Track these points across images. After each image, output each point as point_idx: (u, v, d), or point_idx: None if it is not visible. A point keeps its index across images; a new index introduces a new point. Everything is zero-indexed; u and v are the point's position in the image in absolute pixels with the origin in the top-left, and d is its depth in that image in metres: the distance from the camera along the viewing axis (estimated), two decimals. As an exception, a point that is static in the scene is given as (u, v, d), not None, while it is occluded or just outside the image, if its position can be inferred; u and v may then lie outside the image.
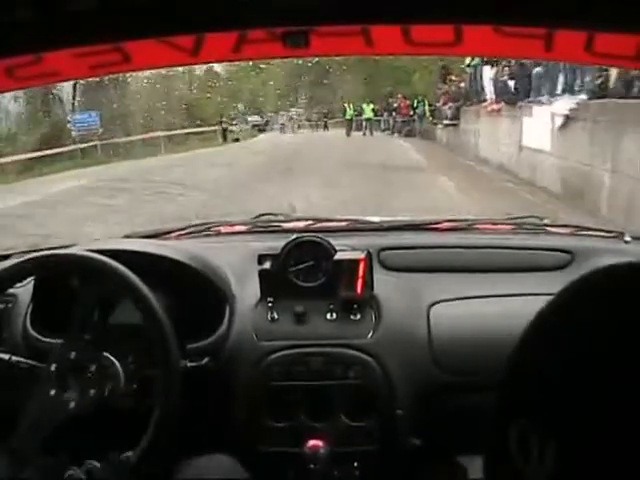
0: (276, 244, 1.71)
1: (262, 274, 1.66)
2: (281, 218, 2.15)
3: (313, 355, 1.57)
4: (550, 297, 0.57)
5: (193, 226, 2.09)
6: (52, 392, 1.44)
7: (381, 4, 0.80)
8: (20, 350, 1.59)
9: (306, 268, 1.68)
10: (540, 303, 0.58)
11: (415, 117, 21.73)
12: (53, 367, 1.45)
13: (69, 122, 17.84)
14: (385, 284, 1.69)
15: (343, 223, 2.03)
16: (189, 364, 1.52)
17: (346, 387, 1.56)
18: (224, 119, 22.40)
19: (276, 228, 2.04)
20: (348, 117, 23.74)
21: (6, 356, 1.50)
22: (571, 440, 0.49)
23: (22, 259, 1.54)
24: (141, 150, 18.31)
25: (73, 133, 17.62)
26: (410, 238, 1.92)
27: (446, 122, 17.47)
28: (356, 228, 2.00)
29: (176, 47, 0.90)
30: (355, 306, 1.62)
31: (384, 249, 1.82)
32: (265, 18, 0.81)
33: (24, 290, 1.70)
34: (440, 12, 0.80)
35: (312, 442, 1.53)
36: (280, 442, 1.57)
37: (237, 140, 22.55)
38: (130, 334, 1.53)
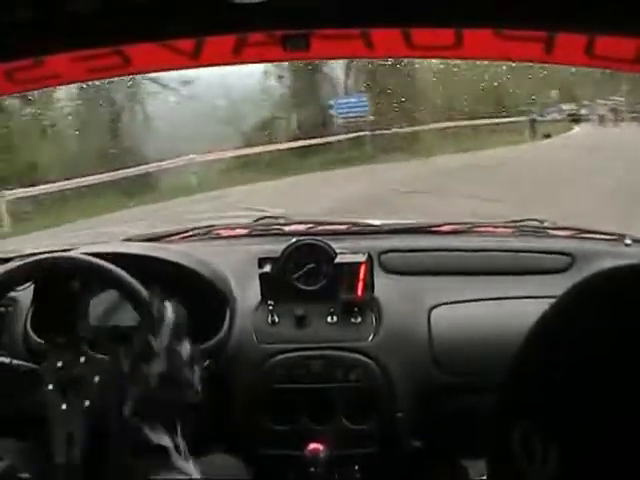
0: (277, 247, 1.71)
1: (263, 277, 1.66)
2: (282, 221, 2.15)
3: (314, 358, 1.57)
4: (551, 300, 0.57)
5: (194, 229, 2.09)
6: (52, 395, 1.43)
7: (381, 7, 0.80)
8: (20, 353, 1.59)
9: (307, 271, 1.68)
10: (541, 306, 0.58)
11: None
12: (53, 370, 1.45)
13: (331, 107, 13.93)
14: (386, 287, 1.69)
15: (343, 226, 2.02)
16: None
17: (347, 390, 1.56)
18: (533, 109, 17.13)
19: (277, 231, 2.03)
20: None
21: (6, 359, 1.50)
22: (573, 443, 0.49)
23: (23, 262, 1.54)
24: (420, 144, 13.39)
25: (339, 120, 13.75)
26: (411, 241, 1.92)
27: None
28: (357, 231, 1.99)
29: (176, 50, 0.90)
30: (356, 309, 1.62)
31: (385, 252, 1.82)
32: (265, 21, 0.82)
33: (24, 293, 1.69)
34: (440, 16, 0.80)
35: (313, 445, 1.53)
36: (281, 445, 1.56)
37: (548, 136, 17.39)
38: (130, 337, 1.53)
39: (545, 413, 0.51)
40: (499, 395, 0.57)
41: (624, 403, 0.47)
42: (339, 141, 13.86)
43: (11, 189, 9.14)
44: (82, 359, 1.45)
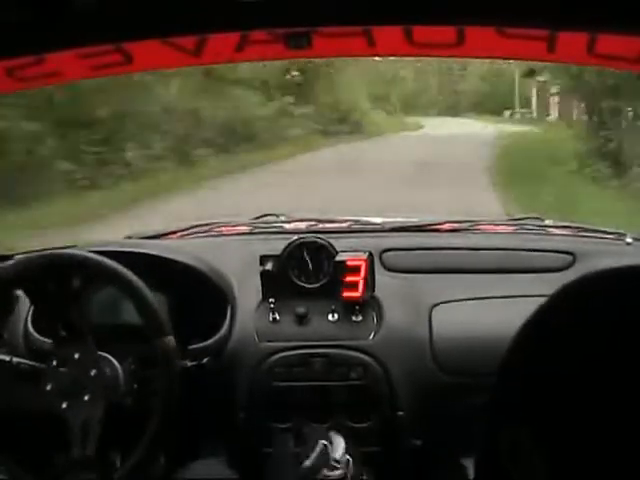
0: (278, 245, 1.70)
1: (264, 275, 1.65)
2: (283, 219, 2.15)
3: (314, 356, 1.57)
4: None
5: (195, 227, 2.09)
6: (52, 393, 1.44)
7: (383, 5, 0.80)
8: (21, 351, 1.59)
9: (308, 269, 1.68)
10: None
11: None
12: (55, 368, 1.45)
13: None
14: (387, 285, 1.69)
15: (345, 224, 2.02)
16: (189, 363, 1.52)
17: (347, 388, 1.56)
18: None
19: (278, 229, 2.03)
20: None
21: (7, 357, 1.50)
22: (562, 445, 0.49)
23: (24, 258, 1.54)
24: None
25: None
26: (412, 239, 1.92)
27: None
28: (358, 229, 1.99)
29: (178, 48, 0.90)
30: (357, 307, 1.62)
31: (386, 250, 1.82)
32: (267, 19, 0.82)
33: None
34: (442, 13, 0.80)
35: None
36: (281, 443, 1.57)
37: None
38: (130, 335, 1.53)
39: (535, 413, 0.51)
40: (490, 395, 0.57)
41: (618, 403, 0.47)
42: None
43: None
44: (82, 356, 1.46)
